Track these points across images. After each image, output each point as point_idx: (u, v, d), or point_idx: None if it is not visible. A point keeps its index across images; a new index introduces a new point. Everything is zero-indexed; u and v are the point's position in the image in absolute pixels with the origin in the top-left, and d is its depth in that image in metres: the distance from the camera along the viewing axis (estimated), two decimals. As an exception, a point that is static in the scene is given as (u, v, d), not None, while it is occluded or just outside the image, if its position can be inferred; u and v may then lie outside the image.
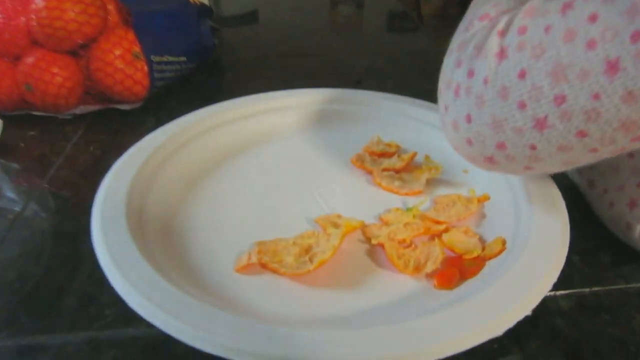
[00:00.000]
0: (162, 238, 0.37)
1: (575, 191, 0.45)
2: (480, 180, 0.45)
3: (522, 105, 0.28)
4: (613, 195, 0.40)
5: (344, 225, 0.38)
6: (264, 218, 0.41)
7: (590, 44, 0.25)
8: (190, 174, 0.45)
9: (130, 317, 0.32)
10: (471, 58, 0.31)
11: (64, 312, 0.33)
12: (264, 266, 0.35)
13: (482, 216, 0.42)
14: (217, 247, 0.37)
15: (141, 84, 0.56)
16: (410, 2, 3.12)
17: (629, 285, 0.37)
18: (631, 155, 0.38)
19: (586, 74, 0.25)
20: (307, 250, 0.36)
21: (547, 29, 0.27)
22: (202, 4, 0.67)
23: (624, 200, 0.39)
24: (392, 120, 0.54)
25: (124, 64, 0.54)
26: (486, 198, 0.43)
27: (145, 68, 0.55)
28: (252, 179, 0.46)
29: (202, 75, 0.68)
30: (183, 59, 0.61)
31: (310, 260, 0.35)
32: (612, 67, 0.24)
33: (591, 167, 0.43)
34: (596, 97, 0.25)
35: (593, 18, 0.25)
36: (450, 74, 0.33)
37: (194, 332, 0.26)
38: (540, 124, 0.28)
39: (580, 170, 0.45)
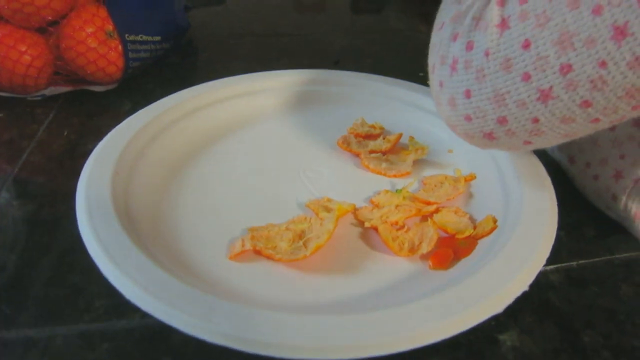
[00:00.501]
0: (150, 226, 0.35)
1: (555, 167, 0.46)
2: (466, 159, 0.45)
3: (526, 77, 0.28)
4: (597, 169, 0.41)
5: (336, 208, 0.37)
6: (252, 203, 0.40)
7: (597, 9, 0.25)
8: (173, 158, 0.43)
9: (122, 308, 0.31)
10: (469, 30, 0.30)
11: (50, 304, 0.32)
12: (258, 252, 0.34)
13: (470, 195, 0.42)
14: (207, 233, 0.36)
15: (115, 65, 0.53)
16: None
17: (613, 257, 0.38)
18: (612, 127, 0.39)
19: (593, 40, 0.25)
20: (300, 235, 0.36)
21: None
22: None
23: (608, 172, 0.40)
24: (375, 101, 0.53)
25: (97, 43, 0.51)
26: (472, 177, 0.43)
27: (120, 47, 0.53)
28: (237, 163, 0.45)
29: (177, 56, 0.66)
30: (158, 38, 0.58)
31: (305, 245, 0.34)
32: (620, 32, 0.24)
33: (569, 143, 0.44)
34: (603, 64, 0.25)
35: None
36: (445, 48, 0.32)
37: (196, 321, 0.26)
38: (544, 96, 0.28)
39: (560, 147, 0.45)
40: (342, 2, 1.12)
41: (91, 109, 0.53)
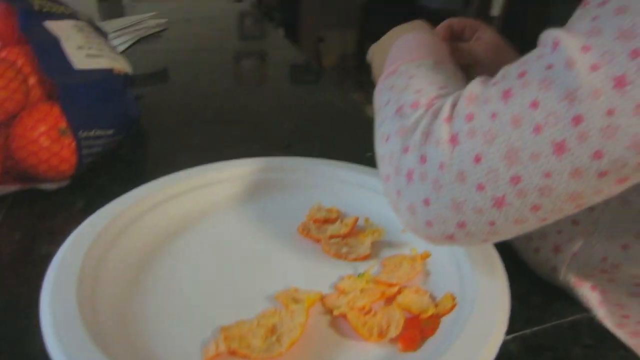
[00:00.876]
0: (121, 336, 0.35)
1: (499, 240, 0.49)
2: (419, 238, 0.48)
3: (480, 188, 0.30)
4: (538, 242, 0.45)
5: (305, 299, 0.39)
6: (221, 299, 0.40)
7: (537, 129, 0.28)
8: (135, 260, 0.43)
9: None
10: (421, 145, 0.33)
11: None
12: (233, 353, 0.34)
13: (427, 273, 0.45)
14: (179, 337, 0.36)
15: (68, 162, 0.53)
16: (311, 56, 3.28)
17: (561, 320, 0.42)
18: None
19: (537, 155, 0.28)
20: (273, 330, 0.36)
21: (493, 116, 0.30)
22: (126, 73, 0.66)
23: (548, 246, 0.44)
24: (329, 186, 0.56)
25: (50, 141, 0.51)
26: (427, 255, 0.46)
27: (73, 145, 0.53)
28: (200, 259, 0.45)
29: (128, 146, 0.66)
30: (111, 132, 0.59)
31: (278, 340, 0.35)
32: (559, 148, 0.28)
33: None
34: (548, 175, 0.28)
35: (535, 105, 0.28)
36: (397, 160, 0.35)
37: None
38: (498, 203, 0.30)
39: None
40: (281, 74, 1.18)
41: (43, 209, 0.52)
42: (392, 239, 0.49)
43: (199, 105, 0.86)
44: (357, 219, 0.50)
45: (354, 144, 0.71)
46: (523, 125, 0.29)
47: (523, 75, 0.29)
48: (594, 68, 0.26)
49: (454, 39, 0.56)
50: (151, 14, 1.36)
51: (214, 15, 1.68)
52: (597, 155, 0.27)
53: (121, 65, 0.65)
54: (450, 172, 0.31)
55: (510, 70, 0.31)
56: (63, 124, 0.52)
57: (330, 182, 0.56)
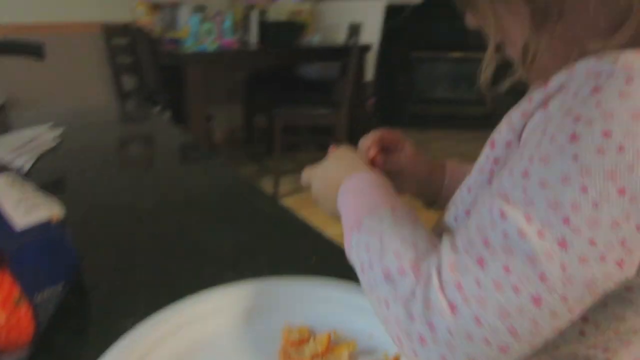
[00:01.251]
0: None
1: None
2: (387, 341, 0.53)
3: (486, 342, 0.36)
4: None
5: None
6: None
7: (516, 289, 0.35)
8: None
9: None
10: (425, 314, 0.37)
11: None
12: None
13: (403, 375, 0.50)
14: None
15: (27, 331, 0.50)
16: (200, 133, 3.31)
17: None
18: None
19: (522, 309, 0.35)
20: None
21: (478, 284, 0.36)
22: (62, 219, 0.64)
23: None
24: (292, 304, 0.59)
25: (7, 314, 0.49)
26: (398, 357, 0.51)
27: (30, 312, 0.51)
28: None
29: (72, 295, 0.63)
30: (61, 286, 0.57)
31: None
32: (537, 300, 0.35)
33: None
34: (534, 322, 0.35)
35: (507, 270, 0.35)
36: (406, 326, 0.39)
37: None
38: (504, 350, 0.36)
39: None
40: (169, 154, 1.19)
41: (6, 389, 0.48)
42: (364, 346, 0.54)
43: (119, 227, 0.84)
44: (329, 336, 0.54)
45: (298, 252, 0.74)
46: (504, 288, 0.35)
47: (487, 244, 0.37)
48: (540, 235, 0.35)
49: (384, 149, 0.65)
50: (48, 124, 1.31)
51: (102, 115, 1.66)
52: (564, 299, 0.35)
53: (55, 211, 0.64)
54: (459, 335, 0.37)
55: (473, 239, 0.38)
56: (16, 292, 0.50)
57: (292, 301, 0.59)
